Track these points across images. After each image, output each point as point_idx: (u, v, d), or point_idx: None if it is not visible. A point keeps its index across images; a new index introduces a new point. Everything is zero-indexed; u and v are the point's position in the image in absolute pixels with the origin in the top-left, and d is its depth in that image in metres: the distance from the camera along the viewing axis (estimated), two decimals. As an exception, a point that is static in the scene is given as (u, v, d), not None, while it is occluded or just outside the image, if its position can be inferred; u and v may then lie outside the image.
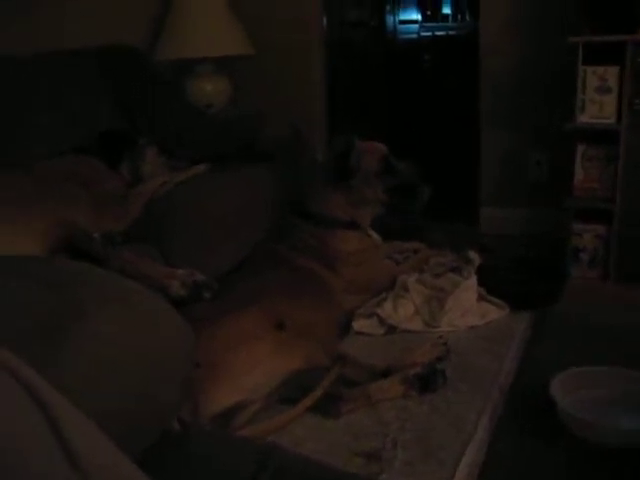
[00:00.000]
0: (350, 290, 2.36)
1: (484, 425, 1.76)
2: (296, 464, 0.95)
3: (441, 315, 2.28)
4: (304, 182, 2.52)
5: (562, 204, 2.89)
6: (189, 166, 2.57)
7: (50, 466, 0.50)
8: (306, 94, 3.72)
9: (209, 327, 1.68)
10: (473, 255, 2.54)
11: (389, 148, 2.49)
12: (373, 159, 2.44)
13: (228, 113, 3.40)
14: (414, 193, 2.42)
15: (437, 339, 2.08)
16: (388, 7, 5.50)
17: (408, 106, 5.21)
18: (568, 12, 3.01)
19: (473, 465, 1.60)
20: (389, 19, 5.55)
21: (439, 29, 5.79)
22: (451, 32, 5.73)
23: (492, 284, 2.42)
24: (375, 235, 2.52)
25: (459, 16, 5.90)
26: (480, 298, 2.38)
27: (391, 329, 2.28)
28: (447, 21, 5.94)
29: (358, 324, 2.30)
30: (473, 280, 2.38)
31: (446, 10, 5.97)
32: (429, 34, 5.77)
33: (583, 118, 2.82)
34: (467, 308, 2.31)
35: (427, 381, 1.89)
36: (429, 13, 5.94)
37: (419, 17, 5.89)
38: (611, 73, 2.75)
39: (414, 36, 5.77)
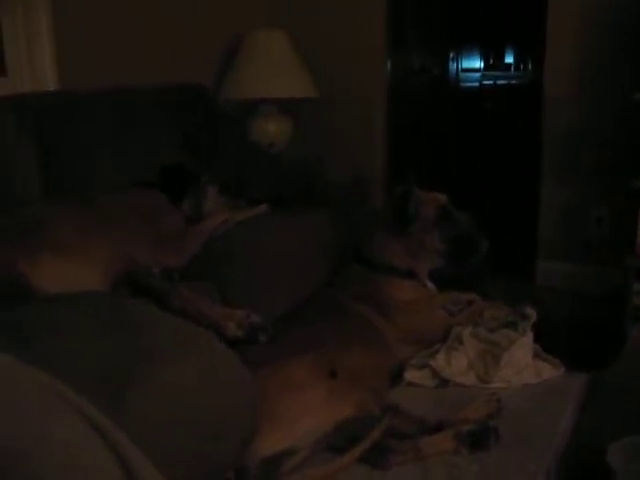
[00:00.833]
0: (403, 340, 2.33)
1: (536, 490, 1.71)
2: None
3: (495, 371, 2.24)
4: (363, 229, 2.53)
5: (623, 263, 2.83)
6: (250, 206, 2.60)
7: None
8: (367, 140, 3.76)
9: (262, 371, 1.68)
10: (529, 311, 2.50)
11: (449, 197, 2.49)
12: (432, 208, 2.44)
13: (289, 154, 3.45)
14: (473, 246, 2.40)
15: (490, 395, 2.05)
16: (451, 54, 5.53)
17: (469, 156, 5.20)
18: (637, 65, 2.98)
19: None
20: (452, 67, 5.58)
21: (501, 78, 5.80)
22: (513, 81, 5.73)
23: (548, 342, 2.37)
24: (431, 285, 2.50)
25: (521, 65, 5.90)
26: (535, 356, 2.33)
27: (443, 382, 2.24)
28: (509, 70, 5.94)
29: (410, 375, 2.27)
30: (529, 337, 2.34)
31: (509, 59, 5.98)
32: (491, 82, 5.77)
33: (650, 176, 2.78)
34: (522, 365, 2.27)
35: (479, 438, 1.85)
36: (491, 62, 5.96)
37: (481, 65, 5.91)
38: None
39: (476, 84, 5.79)
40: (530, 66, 5.67)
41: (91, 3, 2.96)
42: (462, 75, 5.73)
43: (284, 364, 1.78)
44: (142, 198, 2.44)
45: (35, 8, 2.75)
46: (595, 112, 3.35)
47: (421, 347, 2.37)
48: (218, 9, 3.61)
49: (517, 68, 5.89)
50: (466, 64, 5.77)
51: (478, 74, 5.84)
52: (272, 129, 3.62)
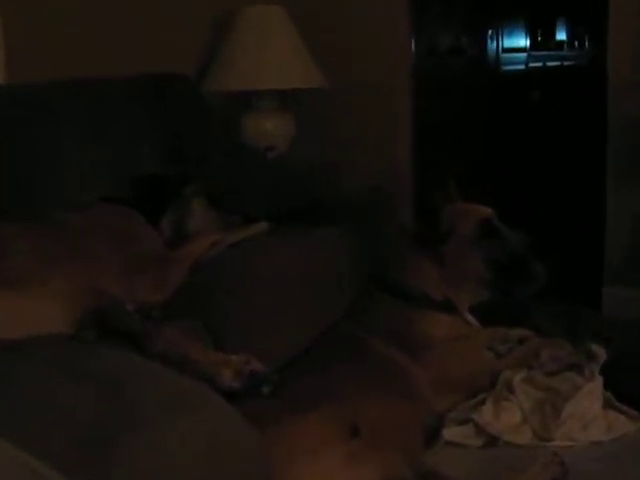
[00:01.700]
0: (440, 388, 2.33)
1: None
2: None
3: (556, 426, 2.23)
4: (386, 250, 2.53)
5: None
6: (245, 224, 2.61)
7: None
8: (389, 138, 3.77)
9: (269, 430, 1.68)
10: (597, 349, 2.49)
11: (493, 210, 2.49)
12: (471, 223, 2.45)
13: (292, 159, 3.46)
14: (526, 272, 2.40)
15: (551, 456, 2.04)
16: (490, 31, 5.55)
17: (515, 157, 5.20)
18: None
19: None
20: (491, 46, 5.59)
21: (552, 58, 5.81)
22: (567, 62, 5.74)
23: (622, 388, 2.36)
24: (472, 319, 2.50)
25: (577, 42, 5.91)
26: (606, 405, 2.33)
27: (491, 440, 2.23)
28: (562, 49, 5.95)
29: (450, 432, 2.26)
30: (597, 382, 2.34)
31: (561, 35, 6.00)
32: (539, 65, 5.79)
33: None
34: (590, 418, 2.26)
35: (540, 511, 1.85)
36: (540, 39, 5.98)
37: (527, 44, 5.93)
38: None
39: (521, 67, 5.80)
40: (588, 43, 5.68)
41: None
42: (504, 56, 5.74)
43: (293, 422, 1.77)
44: (112, 216, 2.45)
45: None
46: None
47: (462, 397, 2.37)
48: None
49: (571, 46, 5.90)
50: (508, 43, 5.79)
51: (523, 55, 5.86)
52: (270, 128, 3.64)
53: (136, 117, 2.89)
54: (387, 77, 3.82)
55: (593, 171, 3.61)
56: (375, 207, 2.90)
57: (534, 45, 5.92)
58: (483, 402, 2.32)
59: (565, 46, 5.95)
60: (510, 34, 5.82)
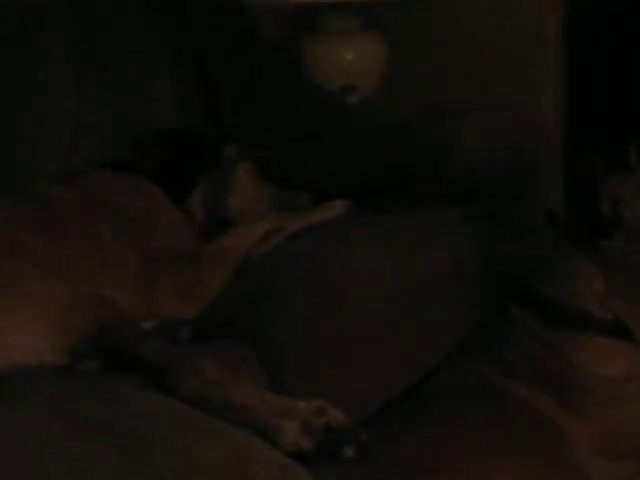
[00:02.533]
0: (605, 450, 2.33)
1: None
2: None
3: None
4: (529, 246, 2.53)
5: None
6: (314, 204, 2.62)
7: None
8: (527, 80, 3.75)
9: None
10: None
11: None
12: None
13: (384, 108, 3.46)
14: None
15: None
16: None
17: None
18: None
19: None
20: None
21: None
22: None
23: None
24: (655, 349, 2.49)
25: None
26: None
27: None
28: None
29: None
30: None
31: None
32: None
33: None
34: None
35: None
36: None
37: None
38: None
39: None
40: None
41: None
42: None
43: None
44: (119, 191, 2.47)
45: None
46: None
47: (637, 464, 2.37)
48: None
49: None
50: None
51: None
52: (349, 59, 3.64)
53: (145, 40, 2.94)
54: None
55: None
56: (513, 179, 2.86)
57: None
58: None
59: None
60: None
